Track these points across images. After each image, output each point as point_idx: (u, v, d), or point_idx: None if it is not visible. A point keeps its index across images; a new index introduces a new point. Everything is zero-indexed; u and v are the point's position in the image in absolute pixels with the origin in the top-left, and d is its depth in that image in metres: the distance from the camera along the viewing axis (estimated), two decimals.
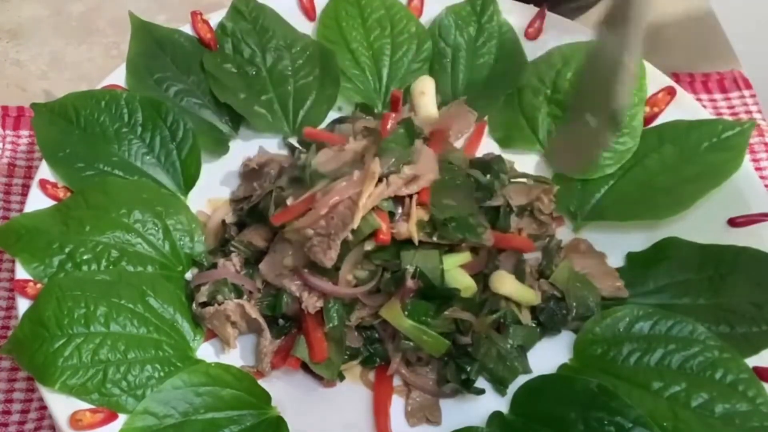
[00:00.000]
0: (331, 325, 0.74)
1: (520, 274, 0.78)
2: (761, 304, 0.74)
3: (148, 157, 0.84)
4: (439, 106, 0.89)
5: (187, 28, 0.92)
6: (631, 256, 0.82)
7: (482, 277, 0.77)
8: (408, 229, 0.73)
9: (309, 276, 0.74)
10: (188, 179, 0.84)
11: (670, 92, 0.88)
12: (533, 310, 0.78)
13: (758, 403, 0.68)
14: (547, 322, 0.78)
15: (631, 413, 0.68)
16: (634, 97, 0.87)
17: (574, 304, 0.77)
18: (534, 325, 0.78)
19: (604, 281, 0.79)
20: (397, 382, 0.76)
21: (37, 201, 0.78)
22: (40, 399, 0.77)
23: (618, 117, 0.71)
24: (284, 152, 0.89)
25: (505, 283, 0.76)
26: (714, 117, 0.87)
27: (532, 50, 0.92)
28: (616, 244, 0.82)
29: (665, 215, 0.80)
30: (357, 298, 0.74)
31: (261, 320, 0.76)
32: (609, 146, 0.79)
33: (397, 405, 0.75)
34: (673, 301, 0.78)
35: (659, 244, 0.81)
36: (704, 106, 0.91)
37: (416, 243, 0.73)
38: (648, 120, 0.87)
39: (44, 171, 0.80)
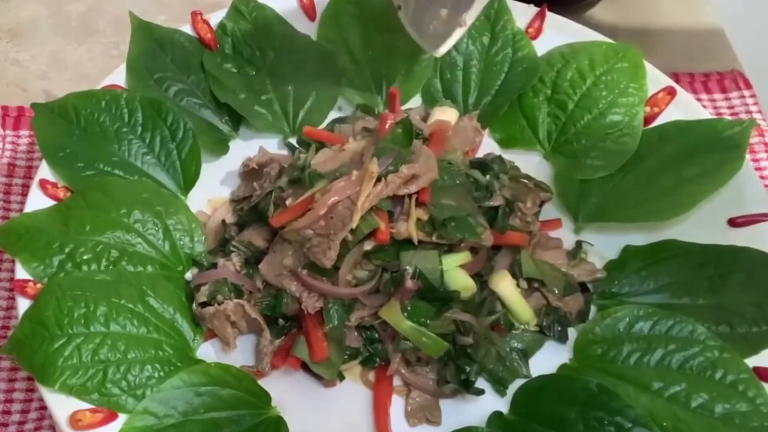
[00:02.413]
0: (330, 325, 0.74)
1: (514, 274, 0.78)
2: (761, 304, 0.74)
3: (148, 157, 0.84)
4: None
5: (187, 28, 0.92)
6: (628, 249, 0.81)
7: (480, 277, 0.77)
8: (407, 228, 0.73)
9: (307, 278, 0.74)
10: (188, 179, 0.84)
11: (670, 92, 0.88)
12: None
13: (758, 403, 0.68)
14: (547, 330, 0.78)
15: (631, 413, 0.68)
16: (635, 97, 0.87)
17: (556, 290, 0.78)
18: (536, 330, 0.78)
19: (578, 268, 0.80)
20: (397, 382, 0.76)
21: (37, 201, 0.78)
22: (40, 399, 0.77)
23: None
24: (284, 152, 0.89)
25: (502, 282, 0.76)
26: (714, 117, 0.87)
27: None
28: (617, 245, 0.82)
29: (667, 217, 0.80)
30: (357, 299, 0.74)
31: (261, 320, 0.76)
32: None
33: (397, 405, 0.75)
34: (673, 301, 0.78)
35: (658, 244, 0.80)
36: (704, 106, 0.91)
37: (416, 242, 0.73)
38: (648, 120, 0.87)
39: (44, 171, 0.80)
